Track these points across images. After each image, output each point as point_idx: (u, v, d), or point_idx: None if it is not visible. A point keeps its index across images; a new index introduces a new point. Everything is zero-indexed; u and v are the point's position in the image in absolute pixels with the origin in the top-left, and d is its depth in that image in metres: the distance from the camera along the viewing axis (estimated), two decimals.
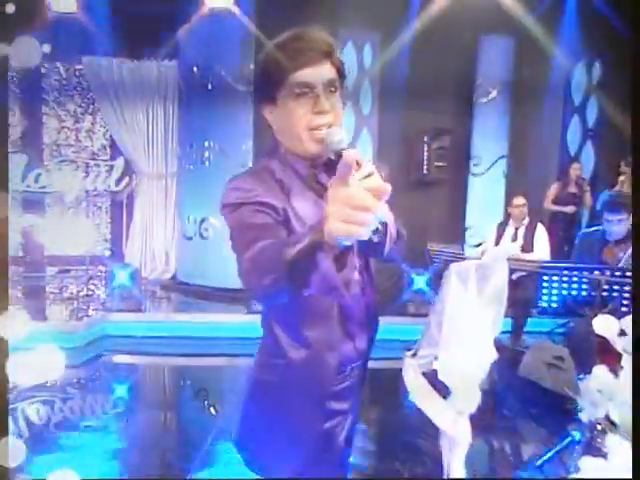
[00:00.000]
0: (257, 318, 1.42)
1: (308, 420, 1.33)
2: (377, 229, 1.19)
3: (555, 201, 6.85)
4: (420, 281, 5.97)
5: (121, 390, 4.60)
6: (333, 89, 1.25)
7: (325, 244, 0.93)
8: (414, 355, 1.45)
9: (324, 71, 1.24)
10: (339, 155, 1.20)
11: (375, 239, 1.23)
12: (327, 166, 1.29)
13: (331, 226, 0.89)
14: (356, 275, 1.34)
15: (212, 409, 4.25)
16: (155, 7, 6.47)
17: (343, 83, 1.30)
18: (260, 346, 1.39)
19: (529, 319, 4.94)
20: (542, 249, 5.23)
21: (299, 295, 1.04)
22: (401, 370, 1.60)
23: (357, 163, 1.14)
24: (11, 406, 3.88)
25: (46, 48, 5.31)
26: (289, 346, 1.30)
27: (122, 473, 3.15)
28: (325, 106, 1.22)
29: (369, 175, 1.13)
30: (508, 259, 1.61)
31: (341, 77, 1.28)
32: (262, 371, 1.37)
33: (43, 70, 8.07)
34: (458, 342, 1.36)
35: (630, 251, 3.78)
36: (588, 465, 1.27)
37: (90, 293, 6.99)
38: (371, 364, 1.49)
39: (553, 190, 6.91)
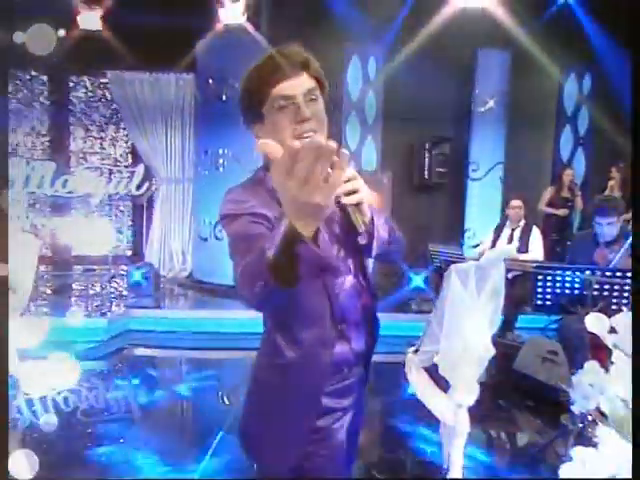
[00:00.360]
0: None
1: (304, 417, 1.29)
2: (361, 233, 1.19)
3: (549, 204, 6.83)
4: (420, 280, 5.97)
5: (142, 381, 4.62)
6: (314, 97, 1.24)
7: (299, 232, 0.90)
8: (416, 351, 1.45)
9: (302, 82, 1.23)
10: None
11: (362, 241, 1.23)
12: None
13: (289, 204, 0.86)
14: (351, 278, 1.30)
15: (225, 399, 4.25)
16: (173, 24, 6.50)
17: (324, 92, 1.28)
18: (260, 346, 1.36)
19: (524, 316, 4.91)
20: (537, 250, 5.20)
21: (290, 293, 1.01)
22: (403, 364, 1.60)
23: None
24: (40, 395, 3.92)
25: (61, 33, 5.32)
26: (285, 347, 1.27)
27: (139, 460, 3.14)
28: (306, 114, 1.21)
29: (348, 180, 1.16)
30: (505, 260, 1.61)
31: (322, 87, 1.27)
32: (261, 370, 1.35)
33: (71, 84, 8.15)
34: (458, 339, 1.36)
35: (621, 252, 3.74)
36: (579, 454, 1.26)
37: (113, 291, 7.02)
38: (373, 358, 1.44)
39: (547, 194, 6.88)
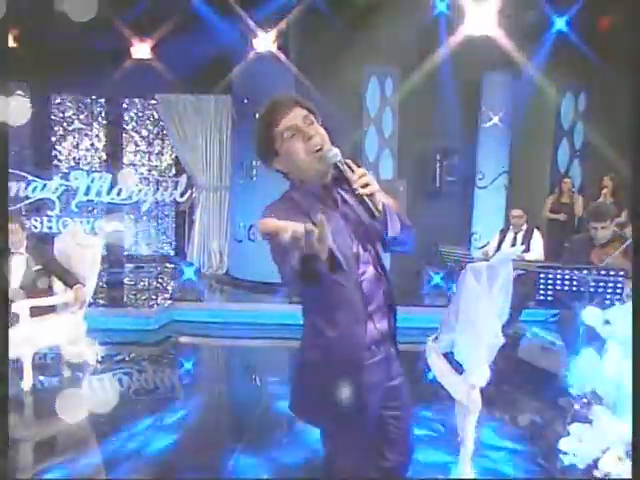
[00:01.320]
0: (297, 307, 1.48)
1: (347, 389, 1.33)
2: (375, 216, 1.33)
3: (551, 210, 6.81)
4: (438, 279, 5.98)
5: (185, 365, 4.72)
6: (310, 122, 1.40)
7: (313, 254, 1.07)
8: (435, 339, 1.50)
9: (297, 113, 1.40)
10: (336, 167, 1.35)
11: (379, 227, 1.35)
12: (336, 181, 1.41)
13: None
14: (371, 269, 1.40)
15: (258, 382, 4.32)
16: (212, 52, 6.64)
17: (317, 117, 1.43)
18: (303, 331, 1.44)
19: (527, 310, 4.90)
20: (537, 251, 5.19)
21: (323, 282, 1.16)
22: (422, 351, 1.65)
23: (351, 169, 1.34)
24: (98, 376, 4.03)
25: None
26: (325, 327, 1.35)
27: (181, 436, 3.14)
28: (310, 132, 1.38)
29: (362, 176, 1.32)
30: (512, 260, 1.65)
31: (314, 114, 1.42)
32: (307, 351, 1.43)
33: (124, 105, 8.36)
34: (472, 329, 1.40)
35: (615, 253, 3.71)
36: (576, 430, 1.30)
37: (159, 286, 7.16)
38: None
39: (549, 201, 6.89)
